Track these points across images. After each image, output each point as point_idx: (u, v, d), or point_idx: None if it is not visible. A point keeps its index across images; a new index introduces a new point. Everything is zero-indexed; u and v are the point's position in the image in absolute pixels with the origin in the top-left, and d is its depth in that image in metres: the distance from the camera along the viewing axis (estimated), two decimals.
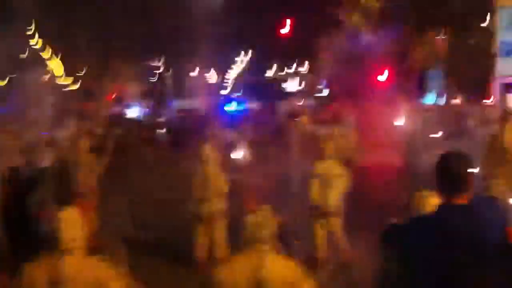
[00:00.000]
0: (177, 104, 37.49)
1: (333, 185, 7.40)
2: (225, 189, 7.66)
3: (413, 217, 3.37)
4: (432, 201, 3.97)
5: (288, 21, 29.51)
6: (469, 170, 3.01)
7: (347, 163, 8.27)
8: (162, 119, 29.36)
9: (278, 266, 3.43)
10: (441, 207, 3.00)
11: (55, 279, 3.24)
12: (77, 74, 29.03)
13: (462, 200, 2.94)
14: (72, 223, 3.34)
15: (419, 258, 2.91)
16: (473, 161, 3.12)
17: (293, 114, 25.13)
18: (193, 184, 7.68)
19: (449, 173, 2.98)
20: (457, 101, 24.68)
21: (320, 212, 7.48)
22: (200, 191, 7.58)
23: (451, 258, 2.85)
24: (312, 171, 7.58)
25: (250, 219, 3.51)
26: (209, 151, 7.80)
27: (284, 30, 30.50)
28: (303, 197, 8.07)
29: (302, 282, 3.46)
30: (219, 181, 7.62)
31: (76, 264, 3.29)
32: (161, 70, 43.09)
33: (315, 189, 7.43)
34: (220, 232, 7.64)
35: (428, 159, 14.03)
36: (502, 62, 18.93)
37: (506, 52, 18.65)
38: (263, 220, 3.49)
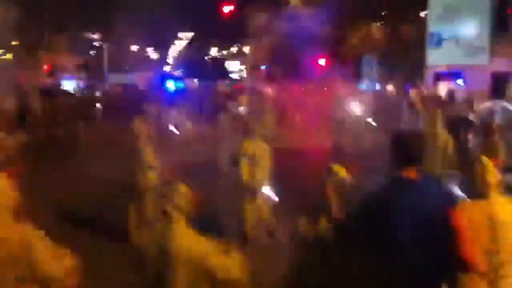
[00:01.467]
0: (115, 78, 36.80)
1: (261, 164, 7.61)
2: (155, 162, 7.74)
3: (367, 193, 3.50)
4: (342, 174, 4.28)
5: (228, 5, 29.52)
6: (420, 147, 3.33)
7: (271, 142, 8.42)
8: (98, 93, 28.80)
9: (187, 242, 3.47)
10: (392, 179, 3.29)
11: None
12: (11, 45, 28.04)
13: (412, 174, 3.22)
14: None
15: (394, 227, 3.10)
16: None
17: (232, 94, 25.32)
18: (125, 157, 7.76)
19: (403, 147, 3.26)
20: (390, 87, 25.46)
21: (249, 190, 7.64)
22: (132, 164, 7.67)
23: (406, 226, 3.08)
24: (241, 150, 7.73)
25: (162, 191, 3.63)
26: (140, 124, 7.88)
27: (227, 9, 30.46)
28: (234, 175, 8.22)
29: (210, 256, 3.47)
30: (148, 154, 7.70)
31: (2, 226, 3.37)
32: (98, 43, 42.15)
33: (245, 167, 7.62)
34: (149, 206, 7.76)
35: (358, 141, 14.69)
36: (431, 52, 19.66)
37: (435, 43, 19.38)
38: (173, 193, 3.55)
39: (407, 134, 3.45)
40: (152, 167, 7.73)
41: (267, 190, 7.74)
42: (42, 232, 3.49)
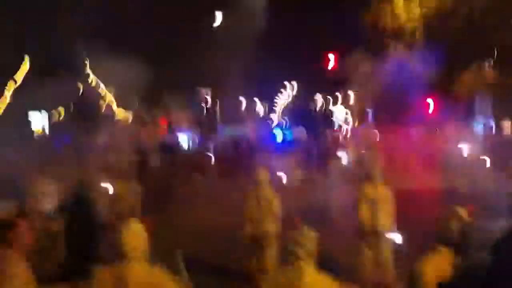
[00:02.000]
0: (226, 131, 38.11)
1: (382, 208, 7.59)
2: (278, 210, 8.02)
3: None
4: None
5: (332, 56, 29.95)
6: None
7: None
8: (211, 146, 30.00)
9: (315, 281, 3.78)
10: None
11: (121, 283, 3.73)
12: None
13: None
14: (136, 235, 3.84)
15: None
16: None
17: (341, 143, 25.41)
18: (247, 206, 8.06)
19: None
20: (506, 125, 24.37)
21: (369, 234, 7.63)
22: (254, 212, 7.97)
23: None
24: (361, 194, 7.73)
25: (291, 236, 3.89)
26: (263, 174, 8.19)
27: (331, 57, 30.89)
28: (350, 220, 8.29)
29: None
30: (272, 203, 7.99)
31: (140, 270, 3.77)
32: (209, 98, 44.00)
33: (365, 211, 7.61)
34: (272, 252, 8.02)
35: (475, 182, 14.19)
36: None
37: None
38: (301, 238, 3.84)
39: None
40: (276, 215, 8.03)
41: (390, 235, 7.70)
42: (175, 276, 3.88)
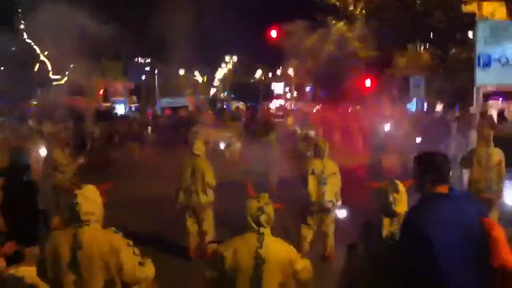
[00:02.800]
0: (164, 101, 37.84)
1: (329, 182, 7.82)
2: (213, 182, 8.13)
3: (415, 208, 3.52)
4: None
5: (274, 31, 30.05)
6: (450, 166, 3.53)
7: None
8: (149, 116, 29.74)
9: (275, 246, 3.87)
10: (427, 196, 3.45)
11: (75, 246, 3.75)
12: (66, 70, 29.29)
13: (444, 190, 3.42)
14: (91, 200, 3.85)
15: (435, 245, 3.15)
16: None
17: (279, 114, 25.77)
18: (182, 176, 8.15)
19: (435, 166, 3.47)
20: (439, 107, 25.35)
21: (316, 209, 7.84)
22: (189, 183, 8.09)
23: (451, 240, 3.18)
24: (309, 168, 7.88)
25: (252, 203, 3.91)
26: (200, 145, 8.28)
27: (274, 34, 30.95)
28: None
29: (297, 261, 3.91)
30: (208, 174, 8.09)
31: (95, 234, 3.80)
32: (148, 68, 43.35)
33: (312, 185, 7.77)
34: (208, 222, 8.18)
35: (408, 162, 14.78)
36: (480, 73, 19.56)
37: (484, 64, 19.26)
38: (262, 205, 3.89)
39: (435, 154, 3.60)
40: (211, 186, 8.14)
41: (337, 208, 7.94)
42: (130, 241, 3.91)
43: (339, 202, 7.92)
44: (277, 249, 3.86)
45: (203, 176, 8.09)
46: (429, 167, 3.49)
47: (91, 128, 20.29)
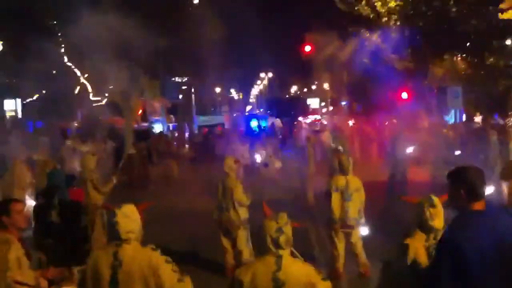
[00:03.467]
0: (201, 120, 38.28)
1: (352, 199, 7.78)
2: (245, 199, 8.11)
3: (450, 227, 3.48)
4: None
5: (309, 44, 30.10)
6: (484, 181, 3.44)
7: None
8: (186, 134, 30.15)
9: (294, 269, 3.72)
10: (463, 214, 3.38)
11: (115, 264, 3.86)
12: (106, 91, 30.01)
13: (479, 207, 3.35)
14: (130, 218, 3.97)
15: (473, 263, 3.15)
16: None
17: (316, 130, 25.71)
18: (217, 193, 8.22)
19: (468, 181, 3.38)
20: (477, 118, 24.90)
21: (340, 225, 7.81)
22: (221, 201, 8.13)
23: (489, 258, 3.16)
24: (333, 185, 7.82)
25: (270, 224, 3.75)
26: (230, 163, 8.30)
27: (308, 49, 31.02)
28: (323, 209, 8.42)
29: (318, 283, 3.70)
30: (237, 192, 8.11)
31: (135, 252, 3.90)
32: (186, 87, 43.92)
33: (336, 202, 7.73)
34: (241, 240, 8.15)
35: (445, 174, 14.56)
36: None
37: None
38: (280, 225, 3.74)
39: (468, 169, 3.51)
40: (243, 204, 8.14)
41: (361, 226, 7.85)
42: (168, 257, 4.00)
43: (363, 219, 7.83)
44: (296, 271, 3.72)
45: (232, 194, 8.12)
46: (462, 183, 3.39)
47: (130, 147, 20.60)
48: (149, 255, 3.92)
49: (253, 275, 3.71)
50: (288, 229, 3.76)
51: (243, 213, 8.15)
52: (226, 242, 8.26)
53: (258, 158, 17.66)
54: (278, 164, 16.73)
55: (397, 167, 15.46)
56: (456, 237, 3.26)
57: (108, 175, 9.81)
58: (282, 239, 3.71)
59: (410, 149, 16.30)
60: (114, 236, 3.93)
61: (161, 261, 3.90)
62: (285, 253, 3.74)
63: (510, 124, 17.01)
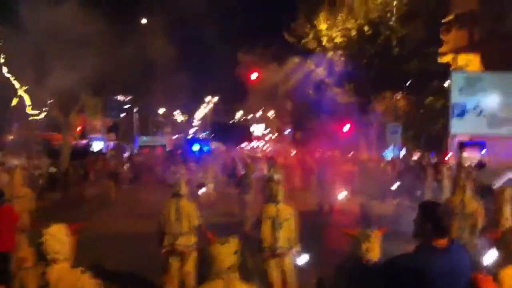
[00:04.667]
0: (142, 140, 37.71)
1: (283, 227, 7.72)
2: (197, 223, 7.92)
3: (397, 257, 3.55)
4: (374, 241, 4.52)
5: (256, 73, 30.53)
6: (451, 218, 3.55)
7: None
8: (126, 154, 29.57)
9: None
10: (424, 247, 3.44)
11: (42, 284, 3.70)
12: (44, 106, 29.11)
13: (442, 243, 3.41)
14: (58, 239, 3.77)
15: None
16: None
17: (256, 157, 25.78)
18: (165, 218, 7.87)
19: (434, 219, 3.44)
20: (415, 155, 25.64)
21: (271, 253, 7.72)
22: (175, 225, 7.84)
23: None
24: (263, 213, 7.65)
25: (220, 249, 3.72)
26: (183, 186, 8.07)
27: (254, 76, 31.36)
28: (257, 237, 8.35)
29: None
30: (193, 216, 7.90)
31: (62, 273, 3.73)
32: (128, 106, 43.34)
33: (266, 230, 7.61)
34: (191, 265, 7.92)
35: (382, 208, 14.90)
36: (455, 122, 20.00)
37: (458, 114, 19.76)
38: (232, 250, 3.74)
39: (437, 206, 3.59)
40: (196, 227, 7.91)
41: (293, 254, 7.80)
42: (99, 281, 3.83)
43: (297, 248, 7.80)
44: None
45: (189, 218, 7.90)
46: (429, 217, 3.47)
47: (65, 164, 20.03)
48: (77, 278, 3.78)
49: None
50: (238, 253, 3.77)
51: (196, 237, 7.94)
52: (175, 271, 7.93)
53: (195, 180, 17.45)
54: (211, 188, 16.65)
55: (324, 196, 15.77)
56: (416, 267, 3.34)
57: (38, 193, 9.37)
58: (237, 263, 3.74)
59: (344, 180, 16.69)
60: (41, 256, 3.77)
61: (90, 284, 3.75)
62: (235, 276, 3.73)
63: (444, 163, 17.58)
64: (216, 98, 72.59)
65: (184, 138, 43.49)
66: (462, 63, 23.36)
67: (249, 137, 54.74)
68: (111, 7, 26.82)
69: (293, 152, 26.49)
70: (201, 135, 59.01)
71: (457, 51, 23.78)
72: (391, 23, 26.15)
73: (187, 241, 7.84)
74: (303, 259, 7.78)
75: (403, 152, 25.12)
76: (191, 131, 71.34)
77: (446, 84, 23.70)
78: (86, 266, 3.87)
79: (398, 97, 27.16)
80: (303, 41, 28.74)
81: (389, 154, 25.37)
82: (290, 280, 7.79)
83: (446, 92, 22.52)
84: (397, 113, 26.40)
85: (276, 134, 52.88)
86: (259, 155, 30.56)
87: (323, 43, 28.04)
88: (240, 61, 33.01)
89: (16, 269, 8.15)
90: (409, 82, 26.01)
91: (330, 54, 28.08)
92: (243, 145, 45.02)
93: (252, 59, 31.74)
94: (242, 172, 14.11)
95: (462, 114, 19.46)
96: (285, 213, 7.71)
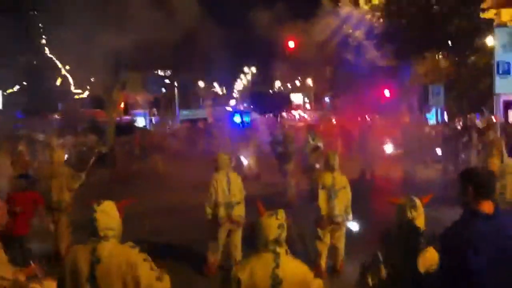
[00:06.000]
0: (184, 114, 38.07)
1: (338, 196, 7.76)
2: (242, 194, 8.02)
3: (455, 226, 3.46)
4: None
5: (292, 42, 30.21)
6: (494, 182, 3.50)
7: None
8: (169, 128, 29.99)
9: (292, 266, 3.77)
10: (469, 213, 3.38)
11: (93, 260, 3.81)
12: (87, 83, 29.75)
13: (487, 208, 3.35)
14: (109, 215, 3.93)
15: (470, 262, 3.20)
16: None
17: (297, 127, 25.77)
18: (217, 190, 7.99)
19: (478, 179, 3.41)
20: (459, 118, 25.09)
21: (328, 222, 7.81)
22: (229, 196, 7.95)
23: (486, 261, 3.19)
24: (319, 182, 7.76)
25: (271, 221, 3.77)
26: (223, 158, 8.16)
27: (292, 44, 31.09)
28: (304, 206, 8.39)
29: (312, 282, 3.81)
30: (238, 187, 8.01)
31: (113, 249, 3.86)
32: (169, 81, 43.68)
33: (323, 200, 7.67)
34: (237, 236, 8.07)
35: (426, 173, 14.76)
36: (500, 81, 19.30)
37: (503, 72, 19.03)
38: (281, 222, 3.78)
39: (477, 168, 3.64)
40: (241, 199, 8.01)
41: (347, 222, 7.85)
42: (147, 255, 3.97)
43: (350, 216, 7.84)
44: (293, 269, 3.77)
45: (240, 190, 8.01)
46: (470, 180, 3.41)
47: (111, 141, 20.44)
48: (127, 253, 3.87)
49: (251, 272, 3.74)
50: (286, 226, 3.81)
51: (241, 208, 8.05)
52: (222, 240, 8.06)
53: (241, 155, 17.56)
54: (253, 160, 16.75)
55: (367, 163, 15.69)
56: (460, 238, 3.30)
57: (82, 170, 9.45)
58: (283, 236, 3.77)
59: (387, 146, 16.49)
60: (93, 233, 3.87)
61: (140, 258, 3.86)
62: (282, 250, 3.77)
63: (490, 125, 17.06)
64: (254, 69, 72.39)
65: (225, 110, 43.70)
66: (505, 19, 22.48)
67: (289, 106, 54.51)
68: None
69: (333, 119, 26.27)
70: (242, 106, 59.04)
71: (500, 6, 22.88)
72: None
73: (241, 211, 7.97)
74: (354, 226, 7.87)
75: (446, 115, 24.62)
76: (232, 102, 71.52)
77: (489, 41, 22.95)
78: (134, 240, 3.97)
79: (439, 57, 26.50)
80: (340, 3, 28.32)
81: (431, 117, 24.92)
82: (340, 247, 7.89)
83: (489, 50, 21.83)
84: (439, 74, 25.78)
85: (316, 101, 52.52)
86: (300, 124, 30.48)
87: (360, 6, 27.54)
88: (277, 29, 32.79)
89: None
90: (450, 41, 25.30)
91: (368, 16, 27.57)
92: (283, 114, 44.88)
93: (289, 27, 31.48)
94: (282, 142, 14.13)
95: (507, 72, 18.78)
96: (342, 181, 7.76)
